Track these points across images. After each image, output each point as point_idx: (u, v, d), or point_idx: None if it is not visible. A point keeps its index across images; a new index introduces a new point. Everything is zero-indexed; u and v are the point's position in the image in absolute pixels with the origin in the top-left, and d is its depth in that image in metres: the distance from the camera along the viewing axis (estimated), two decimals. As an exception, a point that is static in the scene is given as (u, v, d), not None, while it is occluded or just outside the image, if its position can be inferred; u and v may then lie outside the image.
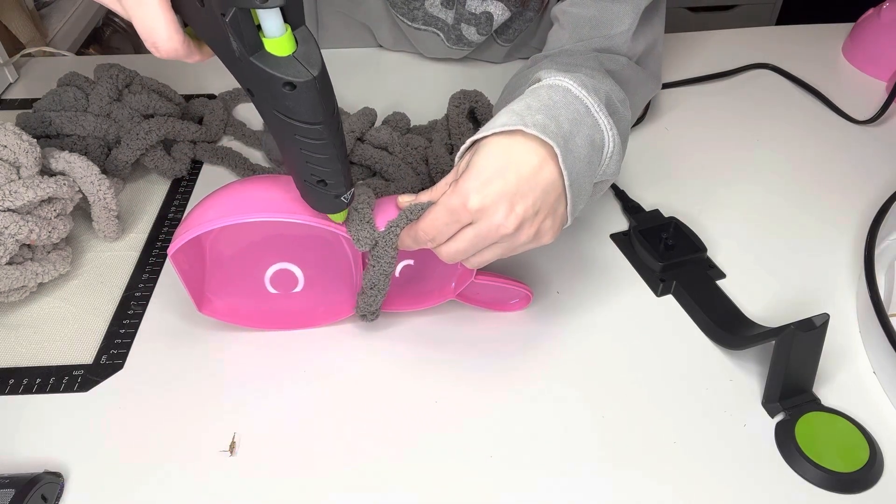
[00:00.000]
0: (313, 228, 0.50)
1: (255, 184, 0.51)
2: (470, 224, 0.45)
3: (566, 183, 0.46)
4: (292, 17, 0.37)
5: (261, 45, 0.37)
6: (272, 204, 0.49)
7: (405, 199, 0.49)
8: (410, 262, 0.57)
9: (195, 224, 0.48)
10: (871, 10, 0.89)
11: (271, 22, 0.36)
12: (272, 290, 0.57)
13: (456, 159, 0.48)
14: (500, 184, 0.44)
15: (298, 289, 0.57)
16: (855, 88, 0.84)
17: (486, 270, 0.54)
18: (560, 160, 0.45)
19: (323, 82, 0.39)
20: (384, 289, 0.52)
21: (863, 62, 0.87)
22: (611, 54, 0.63)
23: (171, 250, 0.49)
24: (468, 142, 0.47)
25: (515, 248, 0.47)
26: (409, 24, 0.81)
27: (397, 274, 0.57)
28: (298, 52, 0.38)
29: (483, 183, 0.44)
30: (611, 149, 0.49)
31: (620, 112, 0.53)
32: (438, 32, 0.81)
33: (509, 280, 0.56)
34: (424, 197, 0.48)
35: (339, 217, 0.49)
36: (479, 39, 0.81)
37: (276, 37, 0.37)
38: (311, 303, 0.57)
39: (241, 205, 0.49)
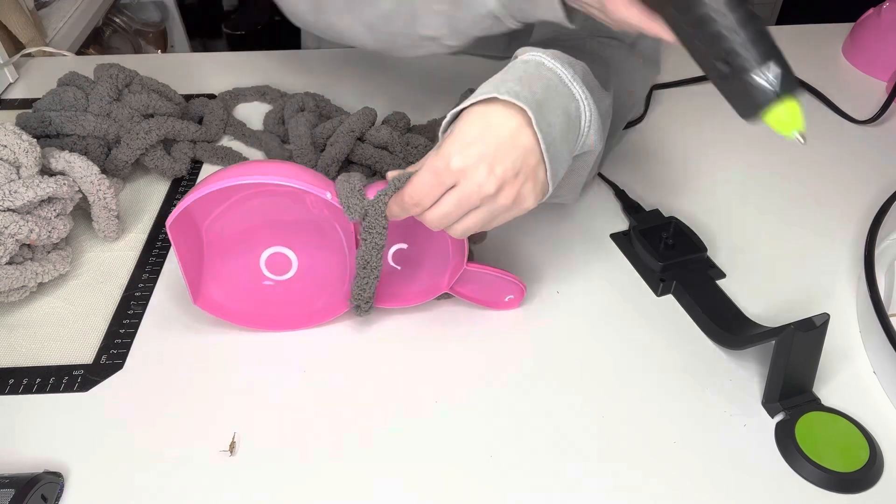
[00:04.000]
0: (308, 214, 0.51)
1: (252, 162, 0.53)
2: (453, 187, 0.46)
3: (542, 146, 0.47)
4: None
5: None
6: (265, 169, 0.50)
7: (394, 173, 0.50)
8: (403, 245, 0.57)
9: (191, 194, 0.50)
10: (871, 10, 0.89)
11: None
12: (267, 273, 0.57)
13: (440, 132, 0.49)
14: (480, 146, 0.45)
15: (292, 273, 0.57)
16: (855, 88, 0.84)
17: (479, 263, 0.55)
18: (534, 123, 0.46)
19: None
20: (377, 268, 0.52)
21: (863, 62, 0.87)
22: (600, 38, 0.64)
23: (169, 221, 0.50)
24: (450, 114, 0.48)
25: (498, 213, 0.48)
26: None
27: (390, 259, 0.57)
28: None
29: (464, 145, 0.45)
30: (588, 117, 0.50)
31: (598, 91, 0.54)
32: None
33: (501, 270, 0.56)
34: (412, 169, 0.49)
35: (787, 120, 0.38)
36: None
37: None
38: (304, 295, 0.57)
39: (233, 174, 0.50)
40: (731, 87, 0.40)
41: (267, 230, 0.56)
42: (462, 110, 0.48)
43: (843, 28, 0.93)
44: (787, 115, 0.39)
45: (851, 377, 0.53)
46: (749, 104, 0.40)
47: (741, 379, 0.53)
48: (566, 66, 0.50)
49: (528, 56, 0.50)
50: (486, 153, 0.45)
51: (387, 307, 0.57)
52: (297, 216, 0.55)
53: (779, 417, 0.51)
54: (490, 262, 0.56)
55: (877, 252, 0.60)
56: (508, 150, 0.46)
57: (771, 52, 0.38)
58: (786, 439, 0.49)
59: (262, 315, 0.57)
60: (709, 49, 0.40)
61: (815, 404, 0.51)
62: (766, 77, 0.38)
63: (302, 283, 0.57)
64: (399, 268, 0.58)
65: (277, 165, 0.51)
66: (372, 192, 0.50)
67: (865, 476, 0.47)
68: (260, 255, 0.56)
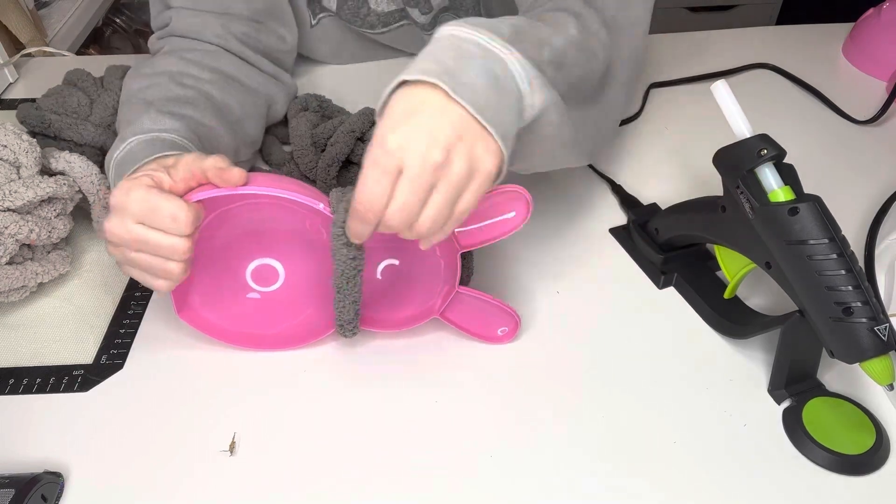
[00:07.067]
0: (300, 226, 0.50)
1: (249, 174, 0.50)
2: (400, 174, 0.43)
3: (473, 111, 0.43)
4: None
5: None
6: (262, 181, 0.48)
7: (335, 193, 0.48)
8: (395, 261, 0.55)
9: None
10: (871, 10, 0.89)
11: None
12: (253, 285, 0.55)
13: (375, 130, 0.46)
14: (412, 119, 0.42)
15: (278, 285, 0.56)
16: (855, 88, 0.84)
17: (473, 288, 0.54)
18: (450, 91, 0.42)
19: (821, 204, 0.44)
20: (352, 294, 0.49)
21: (863, 62, 0.87)
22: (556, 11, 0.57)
23: None
24: (377, 109, 0.45)
25: (459, 186, 0.44)
26: (371, 32, 0.82)
27: (378, 275, 0.55)
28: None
29: (396, 122, 0.42)
30: (524, 74, 0.46)
31: (546, 46, 0.50)
32: (402, 22, 0.81)
33: (496, 298, 0.54)
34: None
35: (882, 371, 0.43)
36: (425, 20, 0.80)
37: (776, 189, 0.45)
38: (289, 311, 0.56)
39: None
40: (837, 329, 0.43)
41: (256, 241, 0.54)
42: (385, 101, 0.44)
43: (843, 28, 0.93)
44: (883, 368, 0.43)
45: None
46: (854, 350, 0.43)
47: (745, 369, 0.54)
48: (483, 29, 0.46)
49: (441, 32, 0.47)
50: (420, 123, 0.42)
51: (376, 331, 0.55)
52: (287, 228, 0.53)
53: (785, 404, 0.51)
54: (489, 273, 0.55)
55: (877, 252, 0.59)
56: (443, 116, 0.42)
57: (882, 308, 0.42)
58: (794, 424, 0.49)
59: (246, 333, 0.55)
60: (827, 291, 0.42)
61: (821, 390, 0.51)
62: (882, 332, 0.41)
63: (287, 297, 0.56)
64: (385, 281, 0.56)
65: (273, 178, 0.49)
66: None
67: (873, 458, 0.47)
68: (247, 266, 0.55)
